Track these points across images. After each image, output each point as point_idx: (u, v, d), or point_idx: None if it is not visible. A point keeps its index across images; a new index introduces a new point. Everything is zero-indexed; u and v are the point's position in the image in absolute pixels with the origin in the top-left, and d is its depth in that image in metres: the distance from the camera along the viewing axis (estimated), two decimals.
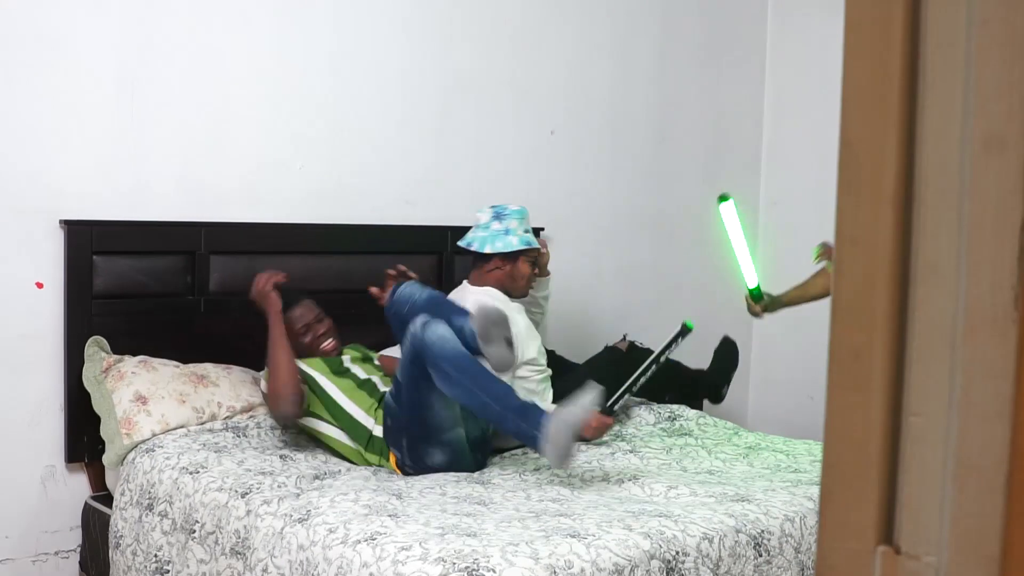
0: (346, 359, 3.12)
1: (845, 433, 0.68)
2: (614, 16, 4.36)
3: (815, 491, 2.60)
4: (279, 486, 2.57)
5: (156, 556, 2.65)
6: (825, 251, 3.38)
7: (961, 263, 0.61)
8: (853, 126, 0.67)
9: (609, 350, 3.74)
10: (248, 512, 2.45)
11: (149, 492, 2.72)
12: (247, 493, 2.52)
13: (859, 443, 0.67)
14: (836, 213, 0.68)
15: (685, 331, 3.39)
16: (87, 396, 3.04)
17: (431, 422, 2.75)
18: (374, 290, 3.08)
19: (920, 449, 0.64)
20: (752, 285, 3.50)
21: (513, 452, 3.04)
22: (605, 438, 3.15)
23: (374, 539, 2.15)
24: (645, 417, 3.52)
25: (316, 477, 2.71)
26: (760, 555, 2.34)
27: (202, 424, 2.99)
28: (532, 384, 3.19)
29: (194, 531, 2.55)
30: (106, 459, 2.99)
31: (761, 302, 3.50)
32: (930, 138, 0.63)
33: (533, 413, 2.57)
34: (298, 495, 2.49)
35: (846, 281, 0.67)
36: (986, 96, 0.60)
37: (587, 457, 2.98)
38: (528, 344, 3.18)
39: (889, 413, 0.65)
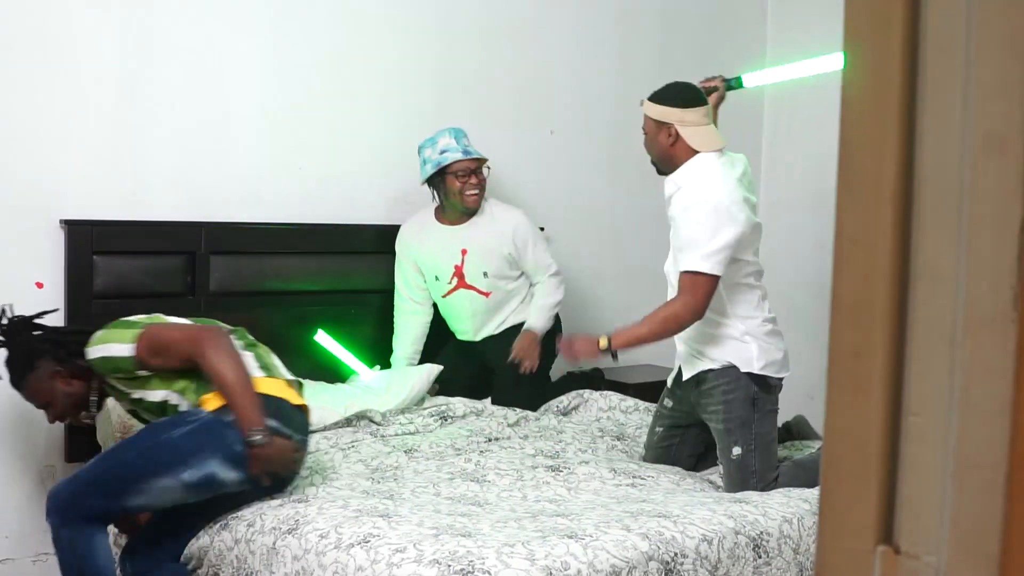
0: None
1: (845, 433, 0.68)
2: (614, 16, 4.36)
3: (809, 493, 2.60)
4: (260, 501, 2.44)
5: None
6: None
7: (961, 263, 0.61)
8: (853, 126, 0.67)
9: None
10: (237, 541, 2.34)
11: None
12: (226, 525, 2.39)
13: (859, 443, 0.67)
14: (836, 213, 0.68)
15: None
16: None
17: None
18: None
19: (920, 449, 0.64)
20: None
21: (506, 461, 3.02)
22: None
23: (367, 542, 2.10)
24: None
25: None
26: (759, 556, 2.32)
27: None
28: None
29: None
30: None
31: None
32: (930, 138, 0.63)
33: None
34: (281, 505, 2.39)
35: (846, 281, 0.67)
36: (986, 96, 0.60)
37: (580, 452, 2.97)
38: None
39: (889, 413, 0.65)
